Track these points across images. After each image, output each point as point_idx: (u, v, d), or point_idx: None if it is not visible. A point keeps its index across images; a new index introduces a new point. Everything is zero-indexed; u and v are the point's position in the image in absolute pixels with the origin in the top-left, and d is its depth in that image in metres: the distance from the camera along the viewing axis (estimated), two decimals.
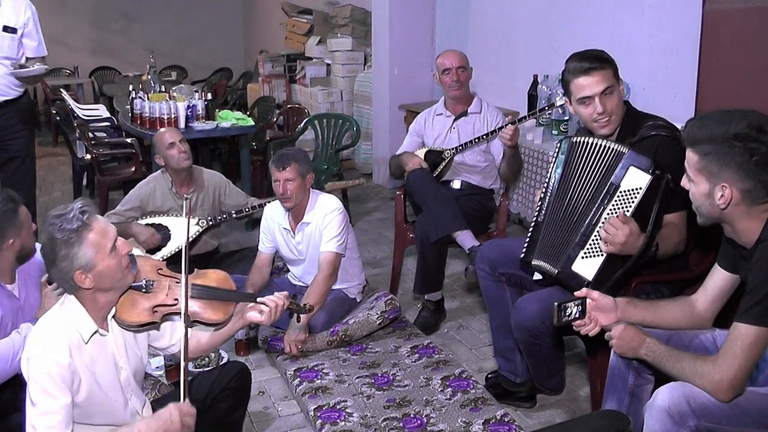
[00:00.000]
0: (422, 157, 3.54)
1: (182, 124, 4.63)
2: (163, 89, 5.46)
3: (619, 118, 2.39)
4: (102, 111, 6.90)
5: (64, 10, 10.09)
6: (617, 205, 2.20)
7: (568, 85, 2.42)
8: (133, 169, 5.19)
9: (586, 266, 2.23)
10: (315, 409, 2.73)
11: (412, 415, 2.68)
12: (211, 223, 3.71)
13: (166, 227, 3.64)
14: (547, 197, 2.41)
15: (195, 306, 1.99)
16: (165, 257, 3.53)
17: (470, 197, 3.56)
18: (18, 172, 3.96)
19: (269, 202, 3.58)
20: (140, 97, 4.87)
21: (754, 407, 1.73)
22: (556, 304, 1.95)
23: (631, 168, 2.18)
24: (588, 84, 2.35)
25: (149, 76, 5.87)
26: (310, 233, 3.27)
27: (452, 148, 3.51)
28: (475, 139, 3.46)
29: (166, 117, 4.63)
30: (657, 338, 1.89)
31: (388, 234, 4.81)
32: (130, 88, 5.33)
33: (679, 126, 2.31)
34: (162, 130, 3.92)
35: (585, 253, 2.24)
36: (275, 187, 3.21)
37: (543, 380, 2.62)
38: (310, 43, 7.36)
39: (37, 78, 4.09)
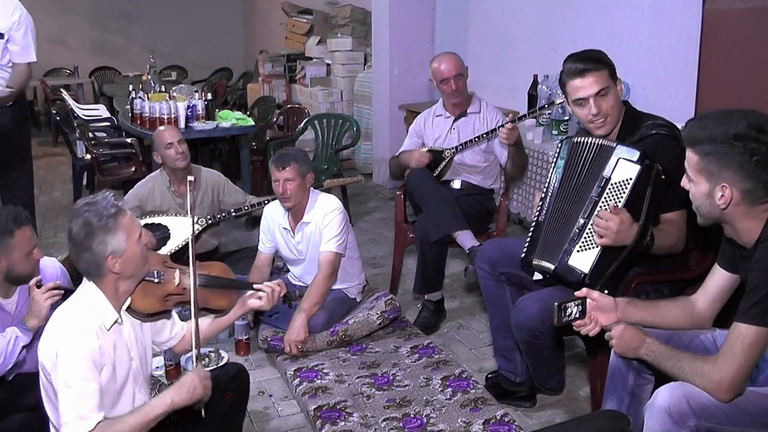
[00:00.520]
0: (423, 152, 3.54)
1: (182, 124, 4.63)
2: (163, 89, 5.46)
3: (615, 118, 2.40)
4: (102, 111, 6.90)
5: (64, 10, 10.09)
6: (609, 197, 2.22)
7: (564, 86, 2.43)
8: (133, 169, 5.19)
9: (582, 259, 2.24)
10: (315, 409, 2.73)
11: (412, 415, 2.68)
12: (210, 221, 3.71)
13: (166, 226, 3.64)
14: (548, 197, 2.42)
15: (202, 294, 2.11)
16: (170, 252, 3.52)
17: (470, 197, 3.56)
18: (15, 173, 3.93)
19: (268, 200, 3.58)
20: (140, 97, 4.87)
21: (754, 407, 1.73)
22: (556, 304, 1.95)
23: (621, 161, 2.21)
24: (583, 86, 2.35)
25: (149, 76, 5.87)
26: (309, 233, 3.27)
27: (452, 148, 3.51)
28: (474, 138, 3.46)
29: (166, 117, 4.63)
30: (657, 338, 1.89)
31: (388, 234, 4.81)
32: (130, 88, 5.33)
33: (679, 126, 2.32)
34: (162, 128, 3.91)
35: (580, 246, 2.25)
36: (275, 187, 3.21)
37: (543, 380, 2.62)
38: (310, 43, 7.36)
39: (1, 100, 3.70)
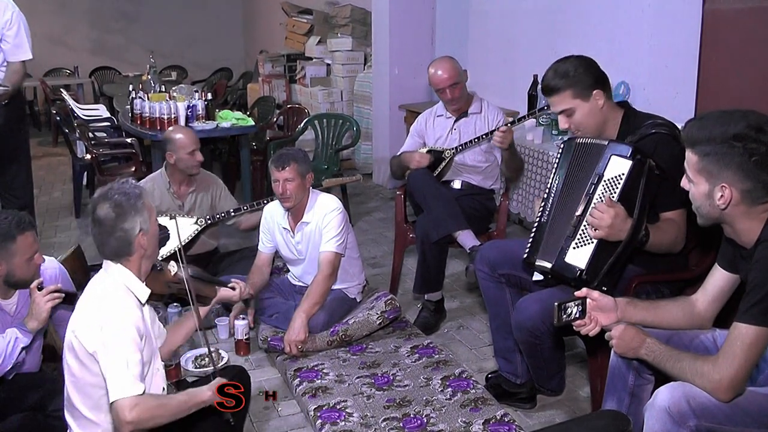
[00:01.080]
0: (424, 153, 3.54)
1: (182, 124, 4.63)
2: (163, 89, 5.46)
3: (593, 127, 2.41)
4: (102, 111, 6.89)
5: (64, 10, 10.09)
6: (603, 193, 2.22)
7: None
8: (133, 169, 5.19)
9: (578, 255, 2.24)
10: (315, 409, 2.73)
11: (412, 415, 2.68)
12: (209, 221, 3.71)
13: (165, 227, 3.64)
14: (551, 198, 2.42)
15: (195, 283, 2.26)
16: (170, 253, 3.52)
17: (471, 197, 3.56)
18: (13, 173, 3.93)
19: (267, 201, 3.56)
20: (140, 97, 4.87)
21: (754, 407, 1.73)
22: (556, 304, 1.95)
23: (613, 157, 2.23)
24: (551, 102, 2.46)
25: (149, 76, 5.87)
26: (309, 233, 3.27)
27: (452, 148, 3.51)
28: (475, 138, 3.46)
29: (166, 117, 4.63)
30: (657, 338, 1.89)
31: (388, 234, 4.81)
32: (130, 88, 5.33)
33: (679, 126, 2.32)
34: (183, 132, 3.74)
35: (576, 243, 2.25)
36: (275, 187, 3.21)
37: (543, 381, 2.62)
38: (310, 43, 7.36)
39: None
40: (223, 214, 3.75)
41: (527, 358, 2.57)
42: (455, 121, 3.61)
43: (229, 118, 4.92)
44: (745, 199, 1.72)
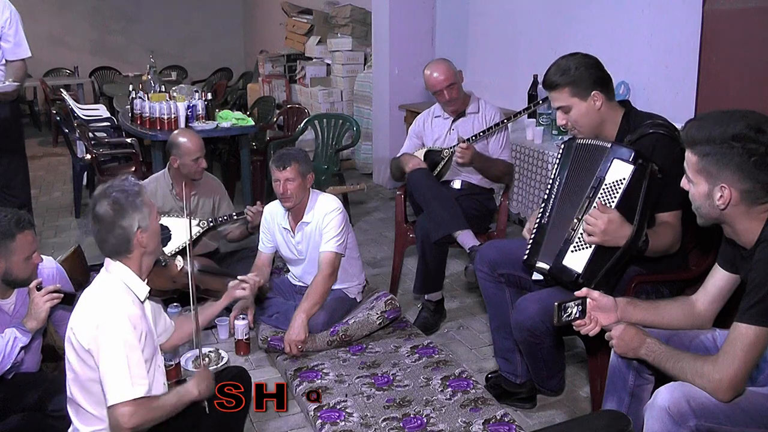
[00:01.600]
0: (421, 158, 3.54)
1: (182, 124, 4.63)
2: (163, 89, 5.46)
3: (589, 127, 2.40)
4: (102, 111, 6.89)
5: (64, 10, 10.10)
6: (602, 197, 2.21)
7: None
8: (133, 169, 5.19)
9: (576, 259, 2.23)
10: (315, 409, 2.73)
11: (412, 415, 2.68)
12: (211, 224, 3.72)
13: (167, 227, 3.64)
14: (552, 199, 2.42)
15: (202, 278, 2.27)
16: (171, 253, 3.53)
17: (470, 197, 3.56)
18: (12, 170, 3.92)
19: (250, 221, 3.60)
20: (140, 97, 4.87)
21: (755, 407, 1.73)
22: (556, 304, 1.95)
23: (615, 160, 2.21)
24: (551, 97, 2.46)
25: (149, 76, 5.88)
26: (309, 233, 3.27)
27: (450, 148, 3.51)
28: (472, 137, 3.46)
29: (166, 117, 4.63)
30: (657, 338, 1.89)
31: (388, 234, 4.81)
32: (130, 88, 5.32)
33: (678, 126, 2.31)
34: (189, 137, 3.67)
35: (574, 246, 2.25)
36: (275, 187, 3.21)
37: (543, 381, 2.62)
38: (310, 43, 7.36)
39: (8, 95, 3.67)
40: (225, 217, 3.75)
41: (527, 358, 2.57)
42: (453, 122, 3.61)
43: (229, 118, 4.92)
44: (744, 199, 1.72)
